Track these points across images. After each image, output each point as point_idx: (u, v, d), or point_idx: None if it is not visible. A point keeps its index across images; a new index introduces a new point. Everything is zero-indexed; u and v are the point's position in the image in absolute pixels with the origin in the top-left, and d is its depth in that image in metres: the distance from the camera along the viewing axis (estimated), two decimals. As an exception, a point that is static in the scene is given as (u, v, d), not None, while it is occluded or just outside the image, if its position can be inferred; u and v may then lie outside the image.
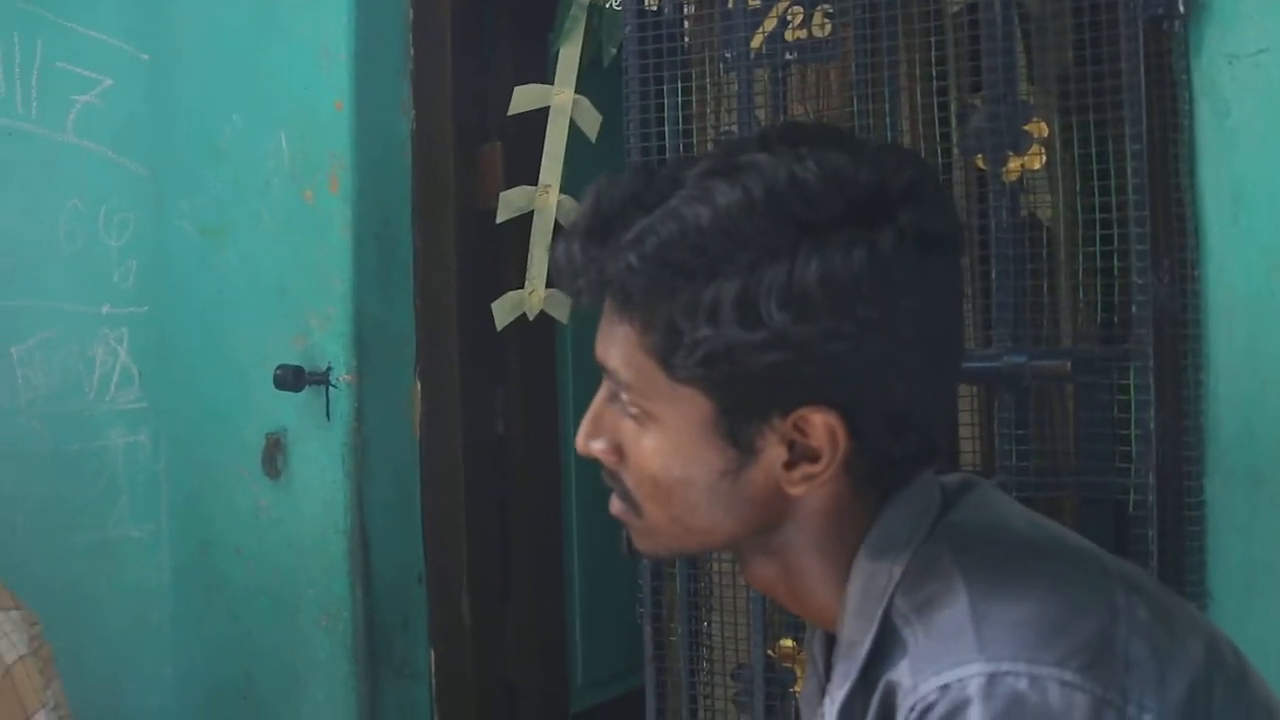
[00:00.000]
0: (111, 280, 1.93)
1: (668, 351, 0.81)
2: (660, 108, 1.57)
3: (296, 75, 1.85)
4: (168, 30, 1.96)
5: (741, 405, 0.81)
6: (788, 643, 1.49)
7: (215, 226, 1.92)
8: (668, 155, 1.54)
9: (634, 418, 0.86)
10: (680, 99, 1.57)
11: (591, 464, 2.12)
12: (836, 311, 0.78)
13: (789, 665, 1.50)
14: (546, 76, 1.92)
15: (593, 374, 2.19)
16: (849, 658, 0.83)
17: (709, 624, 1.63)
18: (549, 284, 1.80)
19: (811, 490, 0.83)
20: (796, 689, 1.47)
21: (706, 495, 0.84)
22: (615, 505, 0.91)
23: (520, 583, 2.02)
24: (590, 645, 2.15)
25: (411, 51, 1.91)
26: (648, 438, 0.85)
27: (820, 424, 0.80)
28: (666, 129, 1.55)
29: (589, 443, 0.90)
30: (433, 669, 1.93)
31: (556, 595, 2.09)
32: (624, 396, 0.86)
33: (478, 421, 1.93)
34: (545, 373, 2.05)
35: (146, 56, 1.97)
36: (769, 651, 1.50)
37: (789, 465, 0.82)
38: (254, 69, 1.89)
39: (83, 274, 1.90)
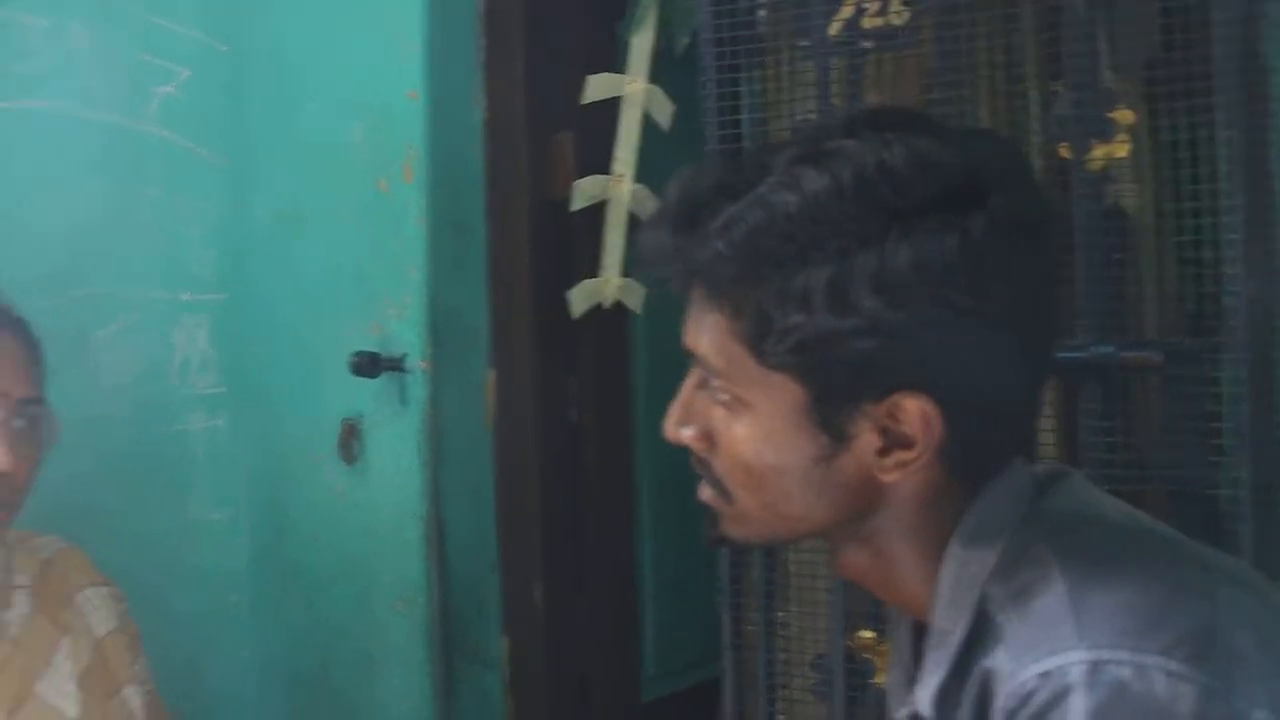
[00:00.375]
0: (191, 268, 1.96)
1: (758, 339, 0.82)
2: (736, 95, 1.56)
3: (371, 66, 1.86)
4: (245, 22, 1.98)
5: (833, 392, 0.82)
6: (867, 634, 1.48)
7: (291, 215, 1.94)
8: (745, 143, 1.53)
9: (725, 404, 0.87)
10: (757, 86, 1.57)
11: (664, 453, 2.12)
12: (928, 298, 0.78)
13: (869, 656, 1.49)
14: (616, 66, 1.92)
15: (665, 362, 2.19)
16: (941, 646, 0.83)
17: (785, 614, 1.63)
18: (624, 273, 1.81)
19: (904, 477, 0.83)
20: (877, 680, 1.46)
21: (799, 482, 0.85)
22: (705, 492, 0.92)
23: (592, 571, 2.03)
24: (661, 635, 2.15)
25: (483, 41, 1.92)
26: (739, 424, 0.86)
27: (914, 410, 0.80)
28: (744, 116, 1.55)
29: (678, 430, 0.91)
30: (506, 656, 1.94)
31: (628, 584, 2.10)
32: (714, 383, 0.87)
33: (551, 410, 1.94)
34: (618, 361, 2.05)
35: (224, 48, 2.00)
36: (848, 642, 1.49)
37: (882, 452, 0.82)
38: (329, 60, 1.90)
39: (163, 261, 1.93)
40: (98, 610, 1.43)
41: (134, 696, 1.43)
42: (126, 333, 1.87)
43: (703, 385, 0.90)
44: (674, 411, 0.93)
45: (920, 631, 0.89)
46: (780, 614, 1.64)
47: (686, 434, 0.92)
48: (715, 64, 1.53)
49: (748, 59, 1.54)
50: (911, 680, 0.89)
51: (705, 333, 0.87)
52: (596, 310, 1.89)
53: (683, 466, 2.14)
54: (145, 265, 1.91)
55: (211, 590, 1.99)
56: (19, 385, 1.27)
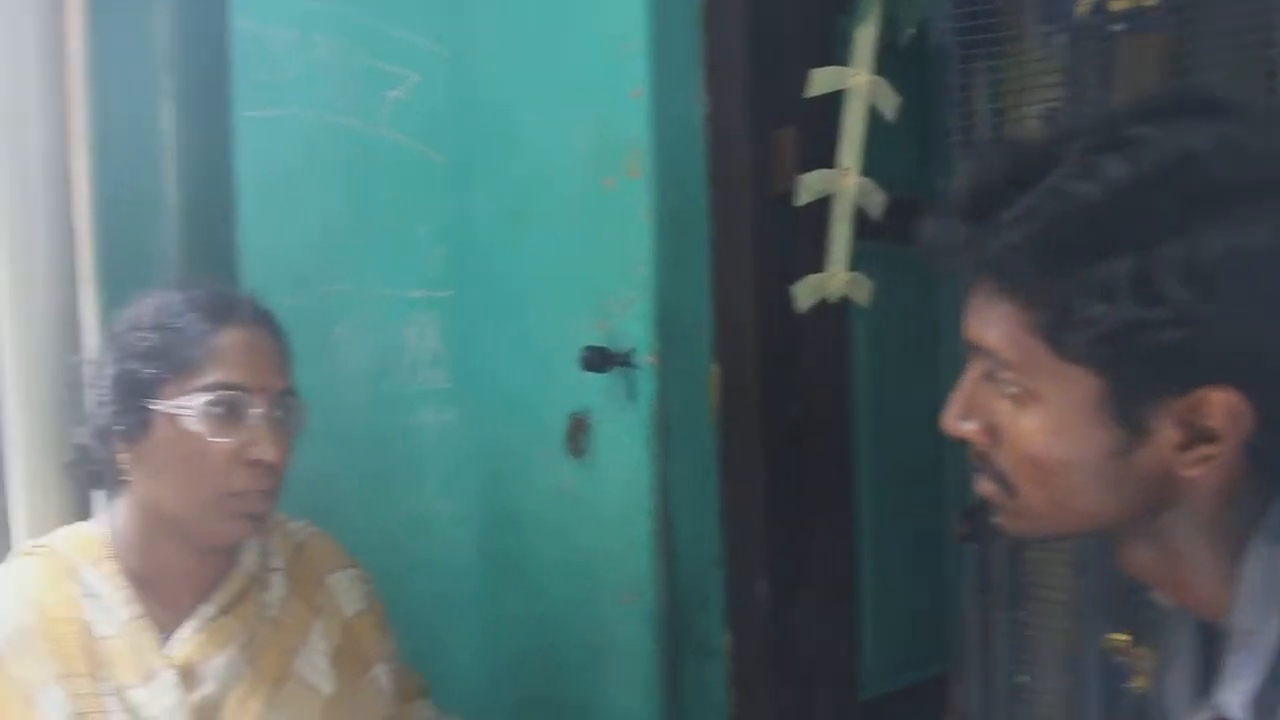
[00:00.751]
0: (420, 266, 2.03)
1: (1056, 330, 0.80)
2: (976, 85, 1.53)
3: (594, 65, 1.88)
4: (467, 26, 2.04)
5: (1134, 384, 0.80)
6: (1120, 636, 1.44)
7: (516, 214, 1.99)
8: (986, 132, 1.50)
9: (1012, 397, 0.85)
10: (996, 75, 1.54)
11: (883, 450, 2.09)
12: (1240, 287, 0.75)
13: (1123, 659, 1.44)
14: (838, 59, 1.90)
15: (884, 359, 2.16)
16: (1247, 647, 0.80)
17: (1023, 613, 1.59)
18: (850, 267, 1.80)
19: (1207, 472, 0.80)
20: (1136, 683, 1.41)
21: (1091, 477, 0.83)
22: (985, 486, 0.91)
23: (813, 568, 2.01)
24: (881, 632, 2.12)
25: (704, 37, 1.93)
26: (1028, 417, 0.85)
27: (1220, 404, 0.78)
28: (984, 105, 1.51)
29: (959, 424, 0.90)
30: (729, 650, 1.94)
31: (847, 581, 2.08)
32: (1002, 375, 0.85)
33: (774, 405, 1.93)
34: (839, 356, 2.03)
35: (447, 52, 2.07)
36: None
37: (1183, 446, 0.80)
38: (551, 60, 1.94)
39: (395, 260, 2.00)
40: (346, 592, 1.47)
41: (383, 674, 1.47)
42: (363, 329, 1.95)
43: (987, 378, 0.89)
44: (954, 405, 0.92)
45: (1208, 631, 0.86)
46: (1018, 613, 1.60)
47: (968, 428, 0.91)
48: (956, 53, 1.49)
49: (987, 47, 1.50)
50: (1197, 681, 0.86)
51: (994, 324, 0.86)
52: (818, 305, 1.88)
53: (902, 464, 2.12)
54: (379, 264, 1.98)
55: (442, 580, 2.05)
56: (277, 378, 1.32)
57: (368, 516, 1.94)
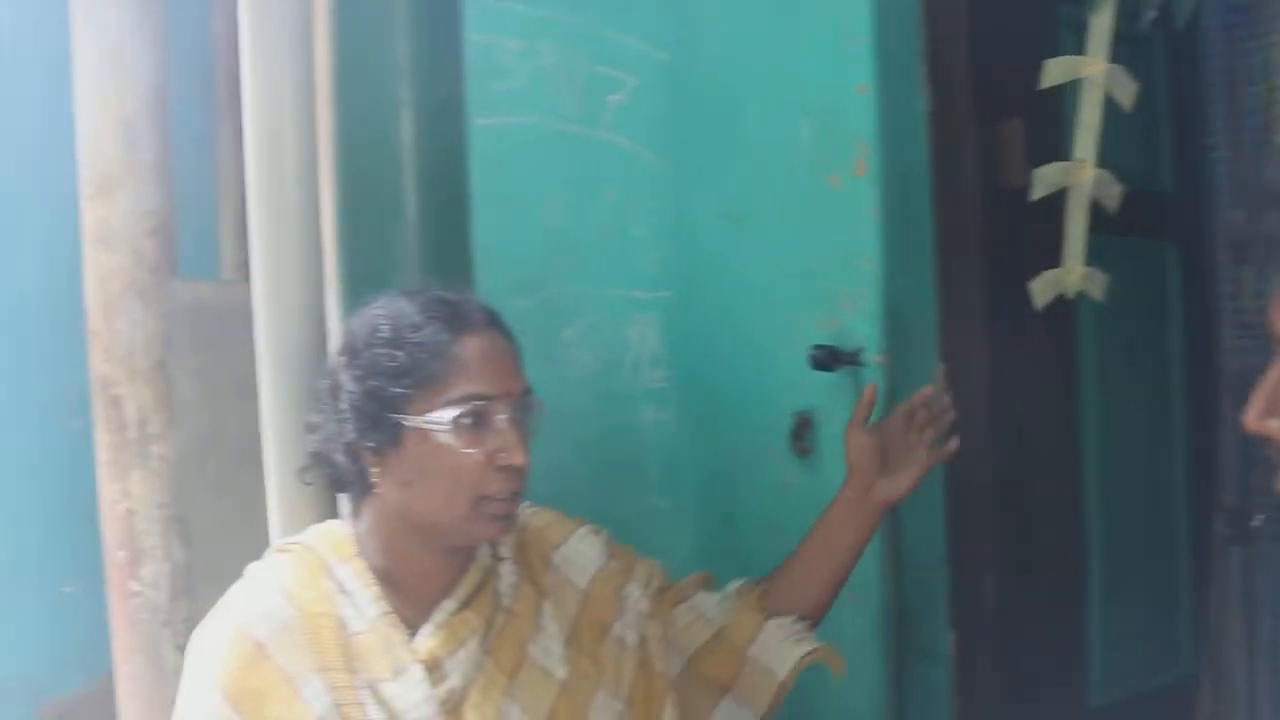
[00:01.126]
0: (640, 267, 2.06)
1: None
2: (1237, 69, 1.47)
3: (817, 63, 1.88)
4: (686, 29, 2.07)
5: None
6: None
7: (736, 214, 2.00)
8: (1252, 119, 1.44)
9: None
10: (1257, 59, 1.47)
11: (1112, 449, 2.02)
12: None
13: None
14: (1062, 48, 1.85)
15: (1114, 356, 2.07)
16: None
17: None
18: (1086, 261, 1.75)
19: None
20: None
21: None
22: None
23: (1040, 570, 1.97)
24: (1109, 639, 2.06)
25: (925, 31, 1.90)
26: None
27: None
28: (1247, 90, 1.45)
29: (1264, 421, 0.87)
30: (953, 653, 1.91)
31: (1075, 585, 2.02)
32: None
33: (1001, 403, 1.90)
34: (1065, 355, 1.98)
35: (666, 55, 2.09)
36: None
37: None
38: (772, 60, 1.94)
39: (618, 261, 2.04)
40: (576, 562, 1.49)
41: (623, 629, 1.48)
42: (589, 330, 1.99)
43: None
44: (1257, 402, 0.89)
45: None
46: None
47: (1275, 425, 0.87)
48: (1223, 35, 1.44)
49: (1253, 29, 1.44)
50: None
51: None
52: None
53: (1132, 463, 2.04)
54: (602, 266, 2.02)
55: (661, 576, 2.08)
56: (517, 381, 1.35)
57: (590, 512, 1.98)
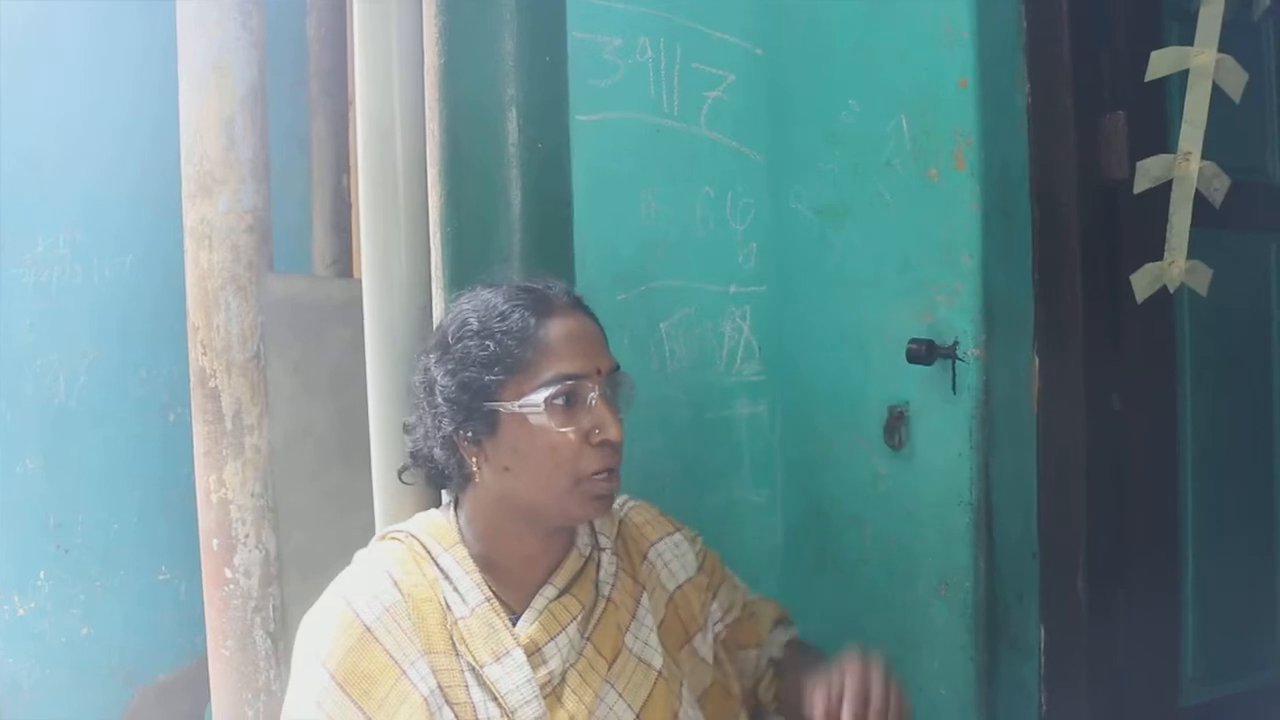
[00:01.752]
0: (736, 261, 2.09)
1: None
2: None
3: (917, 57, 1.89)
4: (783, 26, 2.09)
5: None
6: None
7: (832, 208, 2.02)
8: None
9: None
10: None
11: (1211, 445, 2.00)
12: None
13: None
14: (1165, 39, 1.84)
15: (1213, 350, 2.04)
16: None
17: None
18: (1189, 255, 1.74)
19: None
20: None
21: None
22: None
23: (1134, 565, 1.96)
24: (1203, 636, 2.04)
25: (1025, 24, 1.90)
26: None
27: None
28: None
29: None
30: (1043, 646, 1.91)
31: (1170, 581, 2.01)
32: None
33: (1097, 397, 1.89)
34: (1163, 348, 1.97)
35: (760, 52, 2.12)
36: None
37: None
38: (871, 55, 1.95)
39: (714, 256, 2.07)
40: (670, 564, 1.50)
41: (701, 644, 1.49)
42: (685, 323, 2.02)
43: None
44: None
45: None
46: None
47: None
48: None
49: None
50: None
51: None
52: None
53: (1232, 460, 2.02)
54: (700, 260, 2.05)
55: (749, 566, 2.09)
56: (604, 358, 1.36)
57: (681, 502, 2.01)
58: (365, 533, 1.51)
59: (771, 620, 1.59)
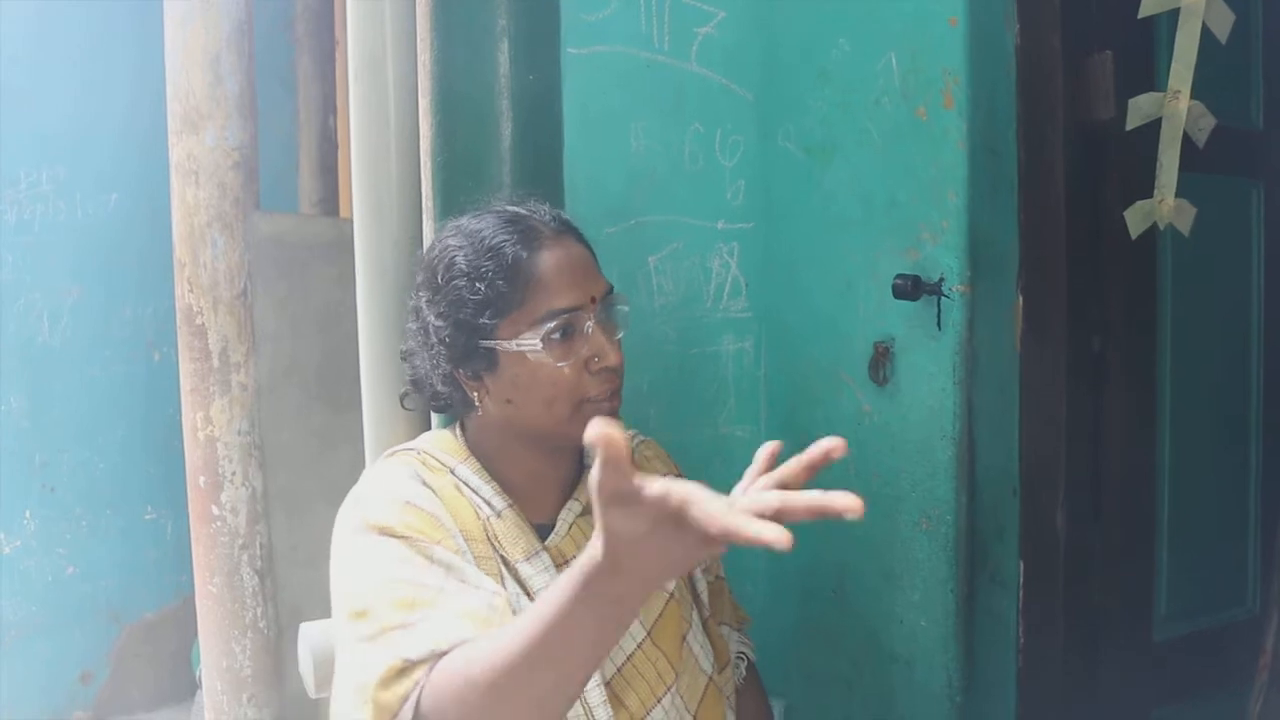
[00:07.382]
0: (724, 197, 2.09)
1: None
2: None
3: (908, -4, 1.90)
4: (775, -37, 2.09)
5: None
6: None
7: (820, 146, 2.02)
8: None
9: None
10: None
11: (1188, 386, 2.02)
12: None
13: None
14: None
15: (1194, 292, 2.06)
16: None
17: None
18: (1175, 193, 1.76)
19: None
20: None
21: None
22: None
23: (1110, 502, 1.99)
24: (1176, 574, 2.08)
25: (1016, -37, 1.91)
26: None
27: None
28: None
29: None
30: (1022, 580, 1.95)
31: (1145, 519, 2.04)
32: None
33: (1078, 337, 1.91)
34: (1145, 290, 1.99)
35: (753, -12, 2.12)
36: None
37: None
38: (861, -7, 1.96)
39: (702, 192, 2.07)
40: None
41: (699, 581, 1.54)
42: (673, 258, 2.03)
43: None
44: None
45: None
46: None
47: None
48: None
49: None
50: None
51: None
52: (1123, 237, 1.84)
53: (1208, 402, 2.04)
54: (688, 195, 2.05)
55: (734, 501, 2.12)
56: (597, 283, 1.36)
57: (668, 438, 2.03)
58: (352, 472, 1.51)
59: (733, 617, 1.64)
